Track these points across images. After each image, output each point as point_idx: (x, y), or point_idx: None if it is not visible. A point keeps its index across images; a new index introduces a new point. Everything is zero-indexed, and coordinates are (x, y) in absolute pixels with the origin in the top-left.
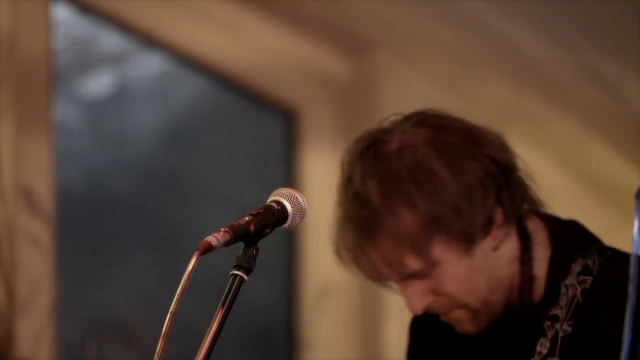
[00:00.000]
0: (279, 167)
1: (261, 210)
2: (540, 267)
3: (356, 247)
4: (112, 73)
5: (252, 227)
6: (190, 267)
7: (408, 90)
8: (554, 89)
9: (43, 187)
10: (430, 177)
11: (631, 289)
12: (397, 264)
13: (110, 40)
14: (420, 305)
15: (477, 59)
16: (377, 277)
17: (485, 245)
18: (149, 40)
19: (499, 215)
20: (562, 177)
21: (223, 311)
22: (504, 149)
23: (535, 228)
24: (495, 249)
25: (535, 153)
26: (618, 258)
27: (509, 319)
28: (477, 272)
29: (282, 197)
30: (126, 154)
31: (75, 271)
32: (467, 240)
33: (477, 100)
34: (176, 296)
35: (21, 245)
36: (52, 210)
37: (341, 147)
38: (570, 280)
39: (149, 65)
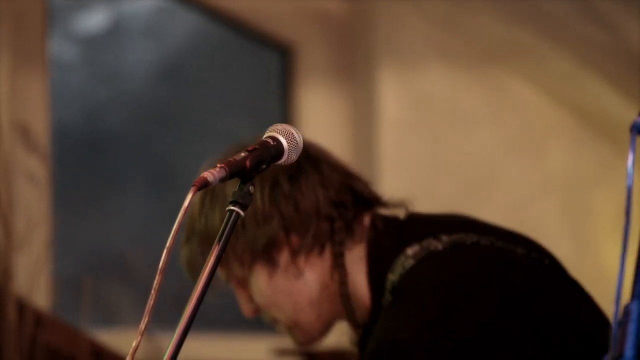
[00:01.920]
0: (274, 103)
1: (257, 146)
2: (362, 285)
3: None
4: (107, 9)
5: (248, 163)
6: (186, 203)
7: (403, 27)
8: (550, 24)
9: (39, 123)
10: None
11: (625, 221)
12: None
13: None
14: (246, 309)
15: None
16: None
17: (285, 270)
18: None
19: (294, 244)
20: (558, 111)
21: (220, 246)
22: (322, 193)
23: (355, 253)
24: (297, 276)
25: (531, 88)
26: (422, 266)
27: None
28: (280, 293)
29: (278, 133)
30: (122, 90)
31: (72, 207)
32: (259, 259)
33: (471, 36)
34: (172, 231)
35: (18, 182)
36: (48, 147)
37: (337, 83)
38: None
39: (144, 1)
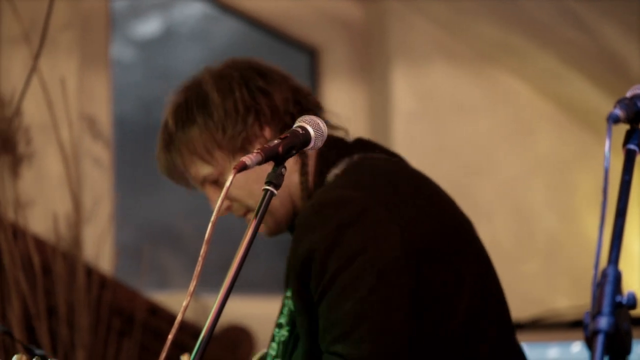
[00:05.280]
0: None
1: (288, 135)
2: (310, 179)
3: (165, 162)
4: (160, 17)
5: (280, 149)
6: (228, 184)
7: (413, 31)
8: (538, 29)
9: (103, 115)
10: (204, 100)
11: (603, 198)
12: (191, 171)
13: None
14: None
15: (471, 3)
16: (186, 183)
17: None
18: None
19: (266, 134)
20: (544, 103)
21: (257, 220)
22: (289, 89)
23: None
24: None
25: (521, 83)
26: (350, 167)
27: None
28: (251, 180)
29: (306, 123)
30: (173, 86)
31: (132, 186)
32: (238, 150)
33: (471, 38)
34: (217, 208)
35: (85, 165)
36: (111, 135)
37: (356, 80)
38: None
39: (192, 10)
